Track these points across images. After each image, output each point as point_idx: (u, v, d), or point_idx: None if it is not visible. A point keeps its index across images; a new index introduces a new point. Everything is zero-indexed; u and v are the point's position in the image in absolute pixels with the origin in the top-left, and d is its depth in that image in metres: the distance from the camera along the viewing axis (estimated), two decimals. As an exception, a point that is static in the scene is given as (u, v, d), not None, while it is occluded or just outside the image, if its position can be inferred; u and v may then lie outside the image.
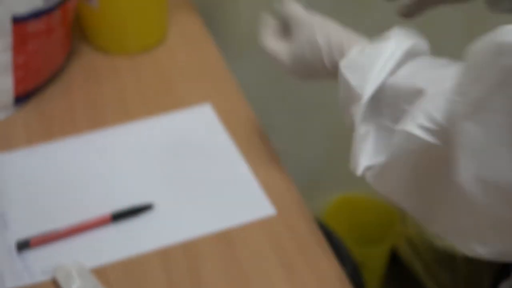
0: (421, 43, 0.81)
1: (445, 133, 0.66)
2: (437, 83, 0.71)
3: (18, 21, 0.95)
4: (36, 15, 0.97)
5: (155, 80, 1.06)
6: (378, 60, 0.79)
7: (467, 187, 0.64)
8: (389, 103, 0.78)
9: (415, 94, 0.71)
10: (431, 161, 0.71)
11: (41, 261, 0.73)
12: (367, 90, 0.77)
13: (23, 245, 0.72)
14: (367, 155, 0.79)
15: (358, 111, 0.78)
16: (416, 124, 0.67)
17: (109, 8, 1.09)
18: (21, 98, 1.01)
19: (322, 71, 0.88)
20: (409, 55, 0.78)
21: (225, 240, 0.80)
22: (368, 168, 0.78)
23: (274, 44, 0.92)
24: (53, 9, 0.98)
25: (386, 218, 1.76)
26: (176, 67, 1.11)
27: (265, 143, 0.95)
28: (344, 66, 0.80)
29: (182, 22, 1.22)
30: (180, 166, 0.91)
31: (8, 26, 0.94)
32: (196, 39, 1.19)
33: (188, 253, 0.77)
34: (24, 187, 0.86)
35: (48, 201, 0.83)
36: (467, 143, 0.63)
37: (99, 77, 1.09)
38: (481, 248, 0.69)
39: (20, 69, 0.99)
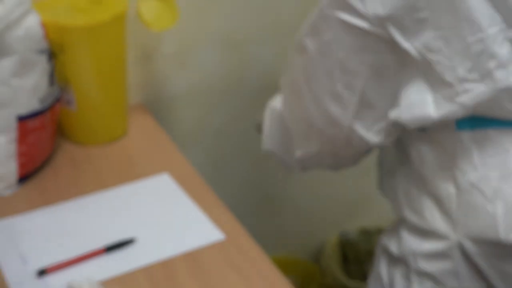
0: None
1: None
2: None
3: (21, 120, 1.19)
4: (34, 115, 1.21)
5: (122, 161, 1.30)
6: None
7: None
8: None
9: None
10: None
11: (57, 281, 0.95)
12: None
13: (42, 272, 0.95)
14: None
15: None
16: None
17: (84, 110, 1.34)
18: (23, 178, 1.23)
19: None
20: None
21: (190, 257, 1.04)
22: None
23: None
24: (46, 111, 1.23)
25: (307, 274, 1.93)
26: (138, 151, 1.36)
27: (209, 192, 1.22)
28: None
29: (139, 120, 1.48)
30: (151, 211, 1.17)
31: (14, 124, 1.18)
32: (151, 131, 1.44)
33: (164, 269, 1.01)
34: (34, 235, 1.09)
35: (55, 242, 1.07)
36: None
37: (78, 161, 1.32)
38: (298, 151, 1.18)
39: (22, 156, 1.21)
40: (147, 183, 1.23)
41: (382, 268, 1.31)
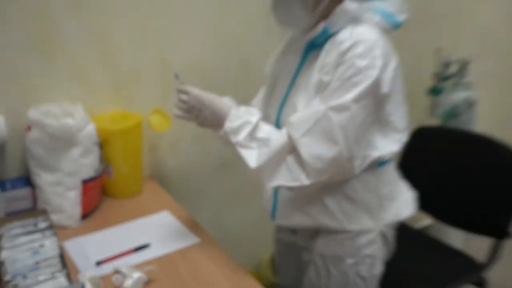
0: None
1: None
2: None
3: (84, 182, 1.38)
4: (91, 179, 1.40)
5: (140, 206, 1.48)
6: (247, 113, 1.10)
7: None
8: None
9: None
10: None
11: (107, 268, 1.15)
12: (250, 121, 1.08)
13: (98, 263, 1.17)
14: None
15: (243, 134, 1.07)
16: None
17: (118, 179, 1.52)
18: (84, 216, 1.41)
19: (210, 123, 1.13)
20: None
21: (180, 252, 1.23)
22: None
23: (179, 112, 1.15)
24: (97, 177, 1.43)
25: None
26: (149, 201, 1.53)
27: (190, 218, 1.40)
28: (229, 117, 1.08)
29: (149, 184, 1.65)
30: (158, 229, 1.35)
31: (80, 184, 1.37)
32: (156, 190, 1.62)
33: (166, 259, 1.20)
34: (92, 245, 1.28)
35: (104, 248, 1.26)
36: None
37: (114, 207, 1.50)
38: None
39: (84, 203, 1.40)
40: (155, 216, 1.44)
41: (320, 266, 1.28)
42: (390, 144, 1.14)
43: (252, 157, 1.07)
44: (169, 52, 1.63)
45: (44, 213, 1.29)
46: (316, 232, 1.24)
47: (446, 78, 2.24)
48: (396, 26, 1.12)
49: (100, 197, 1.51)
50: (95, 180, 1.44)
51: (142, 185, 1.61)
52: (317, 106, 1.05)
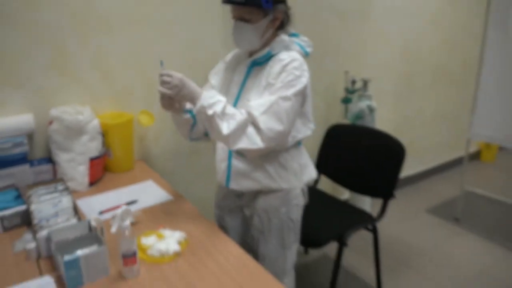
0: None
1: None
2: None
3: (91, 159, 1.48)
4: (96, 158, 1.49)
5: (131, 177, 1.56)
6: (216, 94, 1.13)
7: None
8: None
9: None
10: None
11: (108, 215, 1.27)
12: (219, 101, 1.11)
13: (101, 212, 1.29)
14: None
15: (218, 108, 1.09)
16: None
17: (115, 159, 1.60)
18: (91, 184, 1.49)
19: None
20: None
21: (160, 205, 1.33)
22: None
23: (162, 88, 1.12)
24: (100, 157, 1.53)
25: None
26: (139, 174, 1.60)
27: (168, 185, 1.49)
28: (204, 97, 1.11)
29: (138, 164, 1.72)
30: (143, 191, 1.45)
31: (88, 161, 1.47)
32: (143, 168, 1.67)
33: (149, 210, 1.30)
34: (97, 202, 1.37)
35: (105, 203, 1.35)
36: None
37: (112, 178, 1.58)
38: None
39: (91, 175, 1.49)
40: (142, 184, 1.54)
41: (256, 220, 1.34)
42: (306, 130, 1.29)
43: (224, 126, 1.12)
44: (152, 72, 1.71)
45: (62, 180, 1.40)
46: (257, 193, 1.32)
47: (353, 92, 2.40)
48: (307, 54, 1.27)
49: (103, 172, 1.61)
50: (98, 159, 1.55)
51: (133, 164, 1.70)
52: (269, 96, 1.16)
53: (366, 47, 2.51)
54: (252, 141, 1.14)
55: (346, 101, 2.40)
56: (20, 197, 1.34)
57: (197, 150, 1.91)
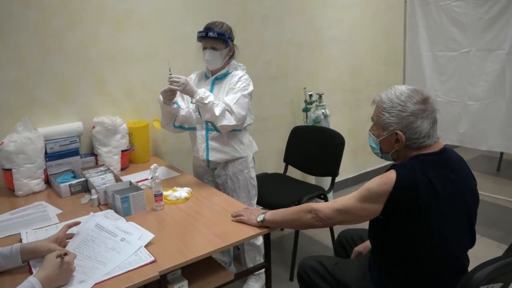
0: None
1: None
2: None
3: (122, 151, 2.01)
4: (125, 150, 2.02)
5: (148, 165, 1.84)
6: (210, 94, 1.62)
7: None
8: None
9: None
10: None
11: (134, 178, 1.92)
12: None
13: (131, 183, 1.95)
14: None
15: (211, 99, 1.61)
16: None
17: (137, 152, 2.12)
18: (122, 169, 2.02)
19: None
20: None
21: (170, 180, 1.94)
22: None
23: (172, 86, 1.58)
24: (128, 150, 2.04)
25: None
26: (152, 163, 1.95)
27: (172, 167, 2.01)
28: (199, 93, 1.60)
29: (153, 157, 2.23)
30: (157, 173, 2.12)
31: (119, 152, 2.01)
32: (157, 160, 2.20)
33: (164, 181, 1.90)
34: (126, 179, 2.04)
35: (133, 179, 1.99)
36: None
37: (135, 166, 2.09)
38: None
39: (121, 162, 2.01)
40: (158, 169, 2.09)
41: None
42: (250, 119, 1.87)
43: (216, 110, 1.65)
44: (160, 90, 2.14)
45: (103, 165, 1.99)
46: (226, 163, 1.83)
47: (311, 103, 3.01)
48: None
49: (129, 161, 2.16)
50: (127, 151, 2.09)
51: (149, 157, 2.25)
52: (235, 94, 1.70)
53: (319, 68, 3.08)
54: (229, 120, 1.69)
55: (305, 110, 3.01)
56: (75, 177, 1.93)
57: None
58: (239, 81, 1.74)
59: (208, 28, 1.73)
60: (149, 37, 2.24)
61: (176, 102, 1.83)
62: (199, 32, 1.75)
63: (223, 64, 1.79)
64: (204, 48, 1.76)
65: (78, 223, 1.30)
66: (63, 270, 1.01)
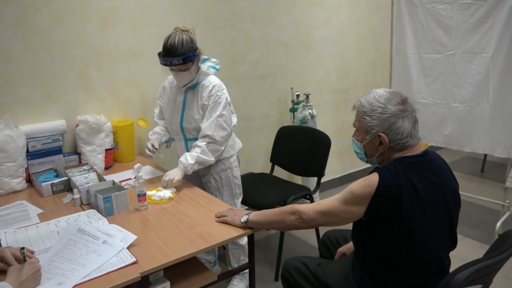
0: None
1: None
2: None
3: (106, 150, 1.99)
4: (109, 149, 2.01)
5: (132, 164, 1.83)
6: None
7: None
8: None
9: None
10: None
11: (123, 183, 1.91)
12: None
13: (114, 183, 1.92)
14: None
15: (194, 160, 1.68)
16: None
17: (122, 151, 2.11)
18: (105, 168, 2.00)
19: None
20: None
21: (154, 179, 1.93)
22: None
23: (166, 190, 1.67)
24: (112, 149, 2.05)
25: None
26: (138, 161, 2.11)
27: (159, 168, 2.10)
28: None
29: (138, 156, 2.22)
30: (141, 172, 2.11)
31: (103, 151, 1.99)
32: (141, 159, 2.19)
33: (148, 180, 1.90)
34: (111, 178, 2.02)
35: (117, 178, 1.99)
36: None
37: (119, 165, 2.08)
38: None
39: (105, 161, 2.00)
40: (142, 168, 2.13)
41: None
42: (234, 120, 1.87)
43: (208, 160, 1.72)
44: (146, 89, 2.29)
45: (86, 164, 1.97)
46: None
47: (298, 103, 3.02)
48: (217, 70, 1.79)
49: (113, 160, 2.15)
50: (111, 150, 2.08)
51: (134, 156, 2.24)
52: (211, 118, 1.70)
53: (307, 69, 3.10)
54: (217, 150, 1.73)
55: (293, 110, 3.03)
56: (58, 176, 1.91)
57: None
58: (210, 95, 1.71)
59: (169, 54, 1.61)
60: (135, 35, 2.23)
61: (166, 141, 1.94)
62: (162, 59, 1.64)
63: (193, 77, 1.76)
64: (171, 69, 1.70)
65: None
66: (29, 270, 1.00)
